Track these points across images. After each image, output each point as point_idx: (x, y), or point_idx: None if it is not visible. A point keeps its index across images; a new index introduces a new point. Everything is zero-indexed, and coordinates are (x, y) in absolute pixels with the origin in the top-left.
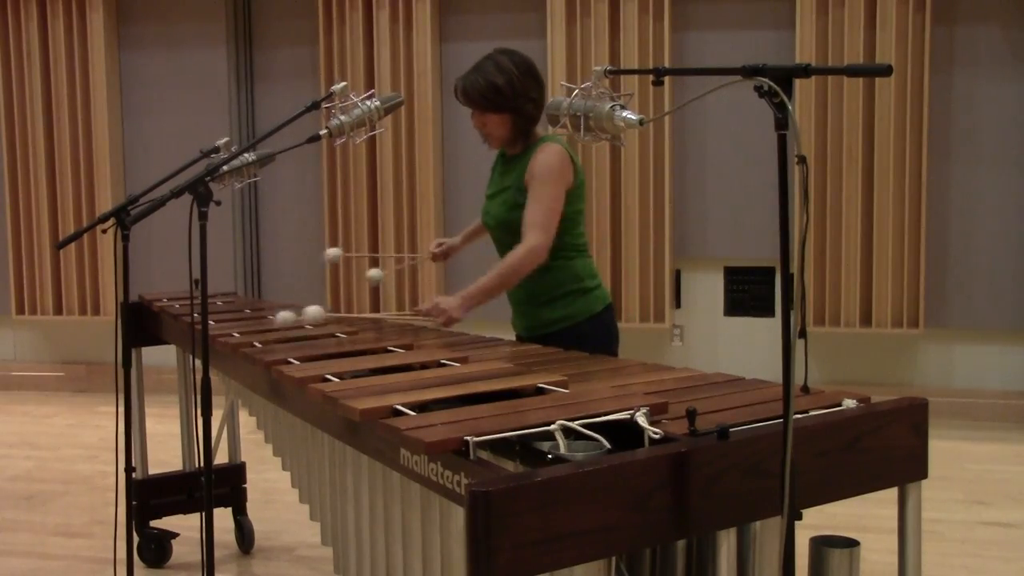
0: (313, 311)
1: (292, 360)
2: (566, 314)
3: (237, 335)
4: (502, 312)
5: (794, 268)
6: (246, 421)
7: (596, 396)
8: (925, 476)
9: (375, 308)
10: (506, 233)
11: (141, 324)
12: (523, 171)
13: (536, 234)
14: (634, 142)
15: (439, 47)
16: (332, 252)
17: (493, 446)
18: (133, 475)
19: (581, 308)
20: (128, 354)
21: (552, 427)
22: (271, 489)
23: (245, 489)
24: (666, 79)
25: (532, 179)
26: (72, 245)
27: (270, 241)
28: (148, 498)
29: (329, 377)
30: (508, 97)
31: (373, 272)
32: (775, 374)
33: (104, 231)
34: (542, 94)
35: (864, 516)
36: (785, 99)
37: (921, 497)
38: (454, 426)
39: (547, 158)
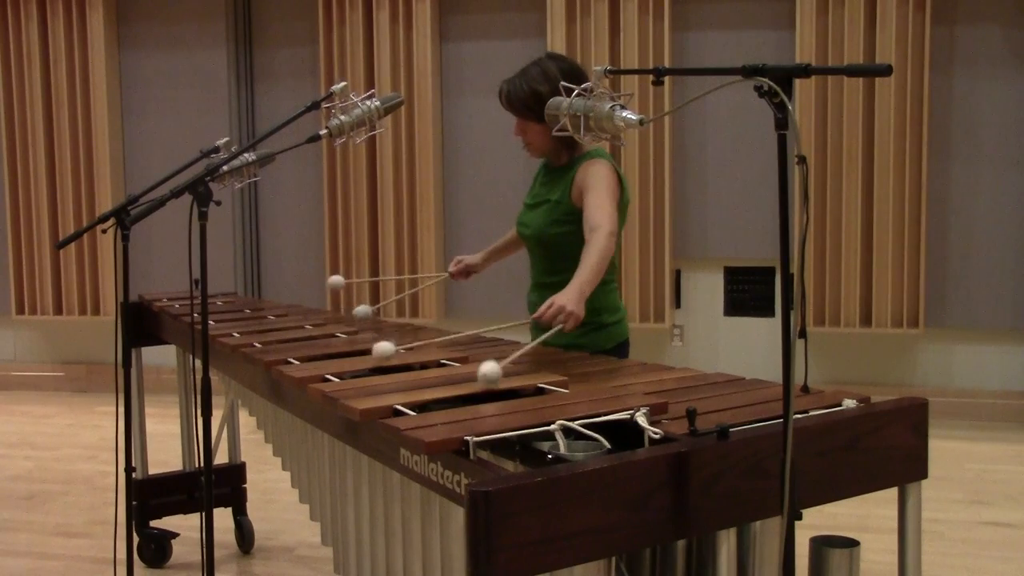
0: (378, 339)
1: (292, 360)
2: (573, 343)
3: (237, 335)
4: (503, 313)
5: (794, 268)
6: (246, 421)
7: (596, 396)
8: (925, 476)
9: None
10: (540, 245)
11: (141, 324)
12: (568, 186)
13: (605, 220)
14: (634, 142)
15: (439, 47)
16: (334, 280)
17: (493, 446)
18: (133, 475)
19: (591, 341)
20: (128, 354)
21: (552, 427)
22: (271, 489)
23: (245, 489)
24: (666, 79)
25: (586, 188)
26: (72, 245)
27: (270, 241)
28: (148, 498)
29: (329, 377)
30: None
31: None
32: (775, 374)
33: (104, 231)
34: None
35: (864, 516)
36: (785, 99)
37: (921, 497)
38: (454, 426)
39: (598, 169)
